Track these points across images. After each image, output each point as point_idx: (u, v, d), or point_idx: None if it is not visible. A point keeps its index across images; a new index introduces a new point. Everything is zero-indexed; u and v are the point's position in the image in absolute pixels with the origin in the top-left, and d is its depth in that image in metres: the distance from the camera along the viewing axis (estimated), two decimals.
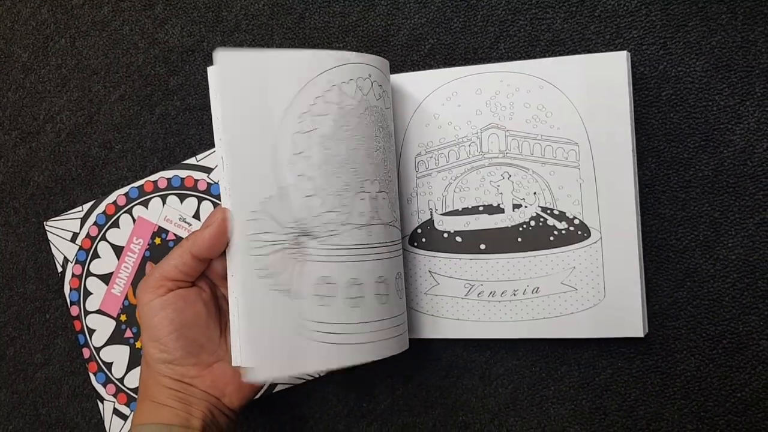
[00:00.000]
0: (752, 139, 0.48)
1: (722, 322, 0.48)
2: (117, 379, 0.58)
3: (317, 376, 0.54)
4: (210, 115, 0.58)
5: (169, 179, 0.57)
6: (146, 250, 0.57)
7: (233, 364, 0.45)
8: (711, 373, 0.48)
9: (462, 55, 0.53)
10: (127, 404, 0.58)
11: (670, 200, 0.49)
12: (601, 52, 0.50)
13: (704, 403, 0.49)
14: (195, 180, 0.57)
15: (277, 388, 0.55)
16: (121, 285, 0.58)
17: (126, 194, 0.58)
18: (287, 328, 0.42)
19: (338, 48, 0.55)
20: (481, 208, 0.50)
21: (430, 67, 0.53)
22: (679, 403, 0.49)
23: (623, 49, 0.49)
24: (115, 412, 0.58)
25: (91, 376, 0.59)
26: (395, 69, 0.54)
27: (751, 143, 0.48)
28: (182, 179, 0.57)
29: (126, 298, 0.58)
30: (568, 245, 0.48)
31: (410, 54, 0.54)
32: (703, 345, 0.49)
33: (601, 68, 0.47)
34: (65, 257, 0.60)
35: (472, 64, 0.51)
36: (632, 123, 0.47)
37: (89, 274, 0.59)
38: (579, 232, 0.48)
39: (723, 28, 0.48)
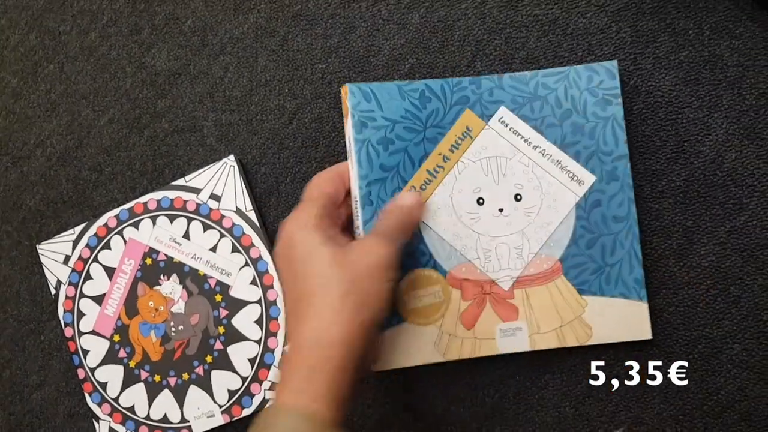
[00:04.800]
0: (721, 149, 0.49)
1: (697, 327, 0.50)
2: (112, 399, 0.59)
3: None
4: (197, 136, 0.59)
5: (158, 200, 0.59)
6: (138, 270, 0.59)
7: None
8: (688, 377, 0.50)
9: (441, 74, 0.54)
10: (123, 423, 0.59)
11: (644, 210, 0.50)
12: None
13: (682, 406, 0.50)
14: (184, 201, 0.58)
15: None
16: (113, 306, 0.59)
17: (117, 216, 0.60)
18: None
19: (321, 69, 0.57)
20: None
21: None
22: (658, 408, 0.51)
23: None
24: (111, 431, 0.59)
25: (87, 396, 0.60)
26: None
27: (720, 154, 0.50)
28: (172, 200, 0.58)
29: (119, 318, 0.59)
30: None
31: (391, 73, 0.55)
32: (679, 350, 0.50)
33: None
34: (58, 279, 0.61)
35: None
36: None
37: (82, 295, 0.60)
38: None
39: (690, 43, 0.50)
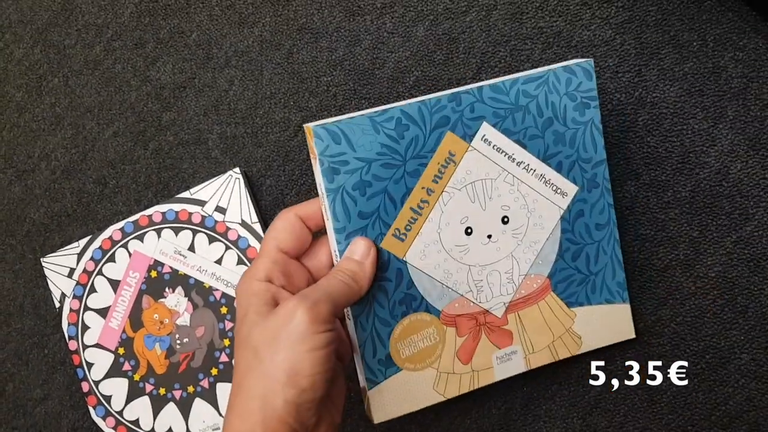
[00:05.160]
0: (726, 160, 0.50)
1: (705, 337, 0.50)
2: (116, 412, 0.59)
3: None
4: (202, 149, 0.59)
5: (163, 213, 0.59)
6: (142, 283, 0.59)
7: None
8: (696, 387, 0.50)
9: (446, 87, 0.54)
10: None
11: (650, 221, 0.51)
12: None
13: (690, 417, 0.50)
14: (189, 213, 0.58)
15: None
16: (118, 318, 0.59)
17: (121, 229, 0.60)
18: None
19: (327, 81, 0.57)
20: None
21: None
22: (666, 419, 0.50)
23: (600, 77, 0.51)
24: None
25: (91, 409, 0.60)
26: (382, 101, 0.55)
27: (725, 164, 0.50)
28: (177, 213, 0.58)
29: (123, 331, 0.59)
30: None
31: (396, 86, 0.55)
32: (687, 361, 0.50)
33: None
34: (63, 293, 0.61)
35: None
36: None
37: (87, 308, 0.60)
38: None
39: (695, 55, 0.50)
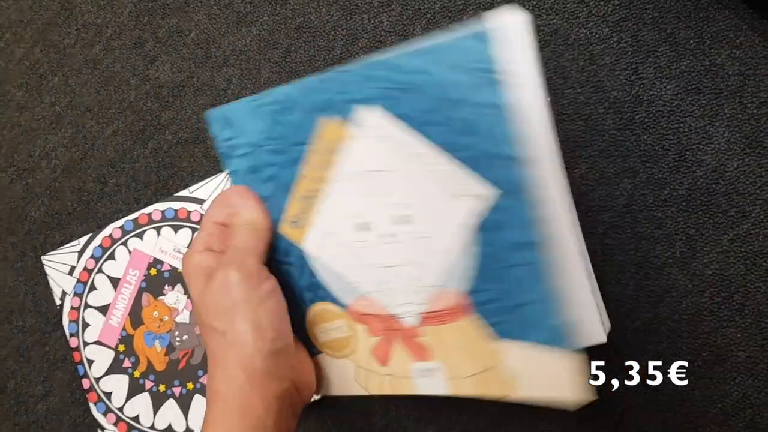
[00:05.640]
0: (723, 158, 0.50)
1: (701, 335, 0.50)
2: (117, 409, 0.59)
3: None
4: (201, 147, 0.60)
5: (163, 211, 0.59)
6: (142, 281, 0.59)
7: None
8: (693, 385, 0.50)
9: None
10: None
11: (647, 219, 0.51)
12: (576, 77, 0.52)
13: (687, 414, 0.50)
14: (188, 211, 0.58)
15: None
16: (118, 316, 0.59)
17: (121, 227, 0.60)
18: None
19: None
20: None
21: None
22: (664, 416, 0.51)
23: (597, 74, 0.51)
24: None
25: (92, 406, 0.60)
26: None
27: (722, 162, 0.50)
28: (176, 211, 0.59)
29: (123, 328, 0.59)
30: None
31: None
32: (684, 358, 0.50)
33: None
34: (63, 290, 0.61)
35: None
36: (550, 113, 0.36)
37: (87, 306, 0.60)
38: None
39: (691, 52, 0.50)
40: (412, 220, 0.39)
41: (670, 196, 0.50)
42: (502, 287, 0.37)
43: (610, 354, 0.51)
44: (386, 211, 0.40)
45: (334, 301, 0.43)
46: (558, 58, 0.52)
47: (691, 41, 0.50)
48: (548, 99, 0.41)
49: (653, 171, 0.51)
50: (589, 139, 0.52)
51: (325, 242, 0.42)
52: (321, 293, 0.43)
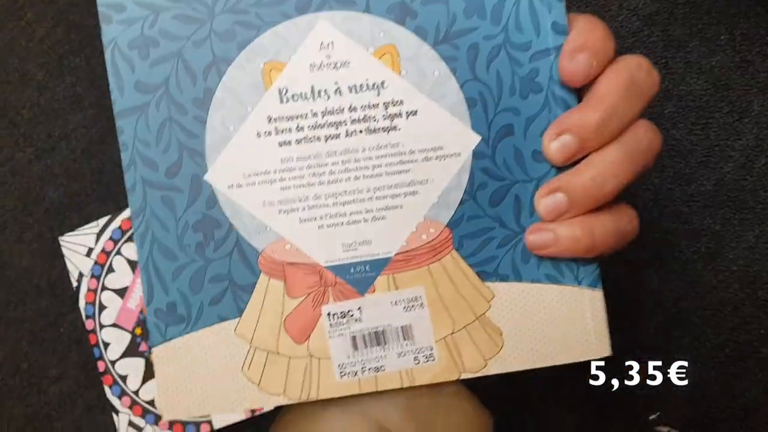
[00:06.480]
0: (751, 154, 0.50)
1: (724, 331, 0.50)
2: (132, 392, 0.59)
3: None
4: None
5: None
6: None
7: None
8: (714, 380, 0.50)
9: None
10: (142, 416, 0.59)
11: (673, 214, 0.51)
12: None
13: (707, 409, 0.50)
14: None
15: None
16: (136, 299, 0.59)
17: None
18: None
19: None
20: None
21: None
22: (683, 409, 0.51)
23: None
24: (131, 424, 0.59)
25: (106, 388, 0.60)
26: None
27: (750, 159, 0.50)
28: None
29: (141, 311, 0.59)
30: None
31: None
32: (706, 353, 0.50)
33: None
34: (80, 272, 0.61)
35: None
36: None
37: (104, 288, 0.60)
38: None
39: (722, 48, 0.50)
40: (386, 127, 0.30)
41: (697, 192, 0.51)
42: (496, 212, 0.30)
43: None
44: (349, 115, 0.30)
45: (238, 245, 0.30)
46: None
47: (722, 37, 0.50)
48: None
49: (681, 166, 0.51)
50: None
51: (248, 152, 0.30)
52: (219, 234, 0.30)
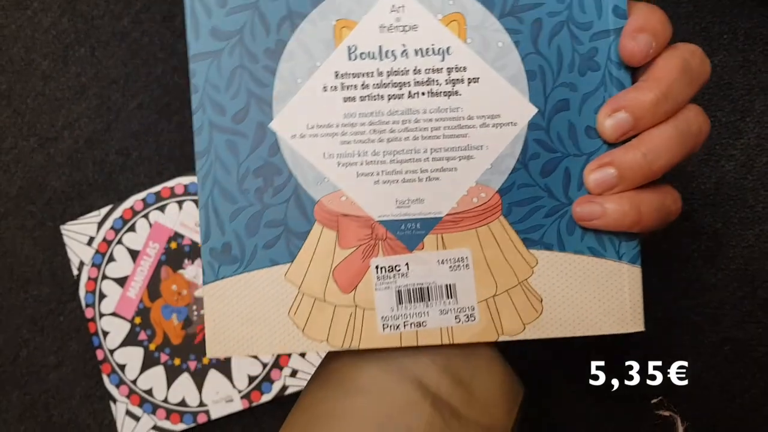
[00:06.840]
0: (752, 153, 0.50)
1: (723, 329, 0.50)
2: (130, 381, 0.59)
3: None
4: None
5: (186, 185, 0.59)
6: (162, 254, 0.59)
7: None
8: (712, 379, 0.50)
9: None
10: (140, 405, 0.59)
11: None
12: None
13: (706, 408, 0.50)
14: None
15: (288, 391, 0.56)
16: (136, 288, 0.59)
17: (143, 199, 0.60)
18: None
19: None
20: None
21: None
22: (682, 407, 0.50)
23: None
24: (128, 413, 0.59)
25: (105, 377, 0.60)
26: None
27: (751, 158, 0.50)
28: None
29: (141, 301, 0.59)
30: None
31: None
32: (704, 352, 0.50)
33: None
34: (81, 261, 0.61)
35: None
36: None
37: (105, 277, 0.60)
38: None
39: (725, 47, 0.50)
40: (449, 91, 0.31)
41: (698, 190, 0.51)
42: (545, 183, 0.31)
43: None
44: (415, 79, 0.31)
45: (296, 194, 0.31)
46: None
47: (725, 36, 0.50)
48: None
49: (682, 164, 0.51)
50: None
51: (316, 104, 0.31)
52: (279, 181, 0.31)
